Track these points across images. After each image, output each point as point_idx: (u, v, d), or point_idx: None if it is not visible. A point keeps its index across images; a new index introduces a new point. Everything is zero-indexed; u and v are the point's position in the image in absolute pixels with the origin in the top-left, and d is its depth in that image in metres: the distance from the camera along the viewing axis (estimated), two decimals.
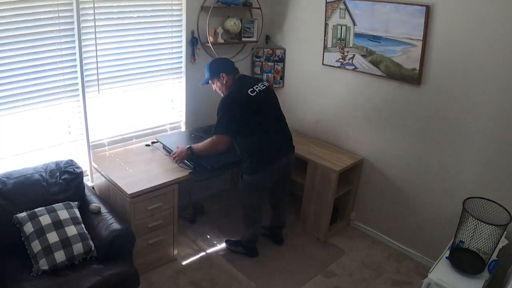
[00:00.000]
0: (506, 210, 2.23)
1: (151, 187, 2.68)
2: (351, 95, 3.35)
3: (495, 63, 2.50)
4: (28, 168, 2.56)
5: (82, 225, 2.43)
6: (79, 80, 2.80)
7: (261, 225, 3.15)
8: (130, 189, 2.62)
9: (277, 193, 3.14)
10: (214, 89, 2.92)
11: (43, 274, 2.19)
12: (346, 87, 3.38)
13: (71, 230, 2.34)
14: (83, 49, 2.73)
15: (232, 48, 3.64)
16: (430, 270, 2.26)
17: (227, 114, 2.73)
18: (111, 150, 3.17)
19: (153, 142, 3.31)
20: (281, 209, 3.25)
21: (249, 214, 3.05)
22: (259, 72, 3.85)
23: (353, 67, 3.25)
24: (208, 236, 3.38)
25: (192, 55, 3.35)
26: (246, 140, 2.78)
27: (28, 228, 2.27)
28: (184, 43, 3.30)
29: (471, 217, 2.19)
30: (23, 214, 2.32)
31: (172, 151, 3.01)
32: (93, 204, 2.62)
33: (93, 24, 2.74)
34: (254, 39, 3.63)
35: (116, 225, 2.45)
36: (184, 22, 3.23)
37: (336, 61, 3.35)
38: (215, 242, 3.31)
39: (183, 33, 3.27)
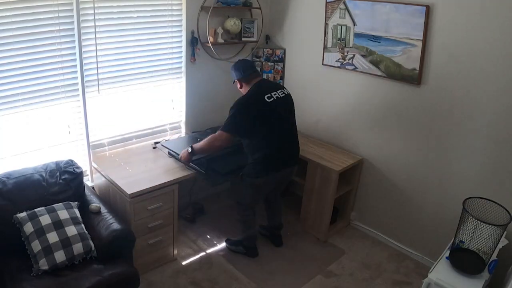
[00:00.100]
0: (506, 210, 2.23)
1: (151, 187, 2.68)
2: (351, 95, 3.35)
3: (495, 63, 2.50)
4: (28, 168, 2.56)
5: (82, 225, 2.43)
6: (79, 80, 2.80)
7: (256, 225, 3.15)
8: (130, 189, 2.62)
9: (272, 195, 3.15)
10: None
11: (43, 274, 2.19)
12: (346, 87, 3.38)
13: (71, 230, 2.34)
14: (83, 49, 2.73)
15: (232, 48, 3.64)
16: (430, 270, 2.25)
17: (238, 114, 2.71)
18: (111, 150, 3.17)
19: (156, 143, 3.31)
20: (275, 210, 3.25)
21: (244, 214, 3.05)
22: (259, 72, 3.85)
23: (353, 67, 3.25)
24: (208, 236, 3.38)
25: (192, 55, 3.35)
26: (254, 144, 2.78)
27: (28, 228, 2.27)
28: (184, 43, 3.30)
29: (471, 217, 2.19)
30: (23, 214, 2.32)
31: (178, 154, 2.98)
32: (93, 204, 2.62)
33: (93, 24, 2.74)
34: (254, 39, 3.63)
35: (116, 225, 2.45)
36: (184, 22, 3.23)
37: (336, 61, 3.35)
38: (215, 242, 3.31)
39: (183, 33, 3.27)
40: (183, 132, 3.59)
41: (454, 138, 2.81)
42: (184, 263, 3.05)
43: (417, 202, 3.13)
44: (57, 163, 2.66)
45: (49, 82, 2.67)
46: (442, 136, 2.87)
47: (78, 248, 2.31)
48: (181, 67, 3.38)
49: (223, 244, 3.28)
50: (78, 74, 2.78)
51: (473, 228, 2.22)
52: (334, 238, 3.45)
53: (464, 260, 2.26)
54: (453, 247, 2.35)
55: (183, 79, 3.42)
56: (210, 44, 3.33)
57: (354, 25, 3.14)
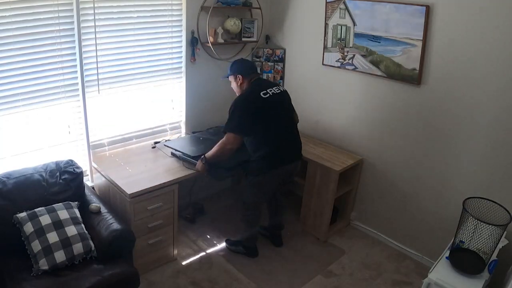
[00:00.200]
0: (506, 210, 2.23)
1: (151, 187, 2.68)
2: (351, 95, 3.35)
3: (495, 63, 2.50)
4: (28, 168, 2.56)
5: (82, 225, 2.43)
6: (79, 80, 2.80)
7: (259, 225, 3.15)
8: (130, 189, 2.62)
9: (275, 194, 3.15)
10: (231, 85, 2.95)
11: (43, 274, 2.19)
12: (346, 87, 3.38)
13: (71, 230, 2.34)
14: (83, 49, 2.73)
15: (232, 48, 3.64)
16: (430, 270, 2.25)
17: (237, 113, 2.73)
18: (111, 150, 3.17)
19: (155, 142, 3.31)
20: (277, 210, 3.25)
21: (246, 214, 3.05)
22: (259, 72, 3.85)
23: (353, 67, 3.25)
24: (208, 236, 3.38)
25: (192, 55, 3.35)
26: (255, 141, 2.79)
27: (28, 228, 2.27)
28: (184, 43, 3.30)
29: (471, 217, 2.19)
30: (23, 214, 2.32)
31: (192, 159, 2.94)
32: (93, 204, 2.62)
33: (93, 24, 2.74)
34: (254, 39, 3.63)
35: (116, 225, 2.45)
36: (184, 22, 3.23)
37: (336, 61, 3.35)
38: (215, 242, 3.31)
39: (183, 33, 3.27)
40: (183, 132, 3.59)
41: (454, 138, 2.81)
42: (184, 263, 3.05)
43: (417, 202, 3.13)
44: (57, 163, 2.66)
45: (49, 82, 2.67)
46: (442, 136, 2.87)
47: (78, 248, 2.31)
48: (181, 67, 3.38)
49: (223, 244, 3.28)
50: (78, 74, 2.78)
51: (473, 228, 2.22)
52: (334, 238, 3.45)
53: (464, 260, 2.26)
54: (453, 247, 2.35)
55: (183, 79, 3.42)
56: (210, 44, 3.33)
57: (354, 25, 3.14)
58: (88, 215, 2.55)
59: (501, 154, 2.61)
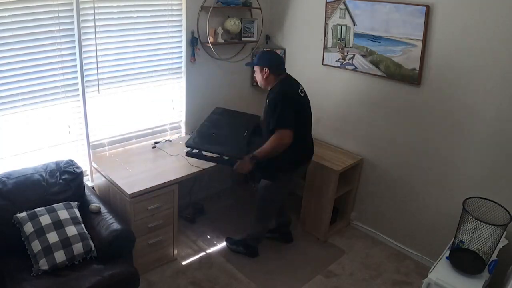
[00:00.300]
0: (506, 210, 2.23)
1: (151, 187, 2.68)
2: (351, 95, 3.35)
3: (495, 63, 2.50)
4: (28, 168, 2.56)
5: (82, 225, 2.43)
6: (79, 80, 2.80)
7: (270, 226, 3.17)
8: (130, 189, 2.62)
9: None
10: (254, 75, 2.90)
11: (43, 274, 2.19)
12: (346, 87, 3.38)
13: (71, 230, 2.34)
14: (83, 49, 2.73)
15: (232, 48, 3.64)
16: (430, 270, 2.25)
17: (285, 108, 2.60)
18: (111, 150, 3.17)
19: (155, 142, 3.30)
20: (285, 207, 3.27)
21: (266, 211, 3.01)
22: None
23: (353, 67, 3.25)
24: (208, 236, 3.38)
25: (192, 55, 3.35)
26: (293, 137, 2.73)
27: (28, 228, 2.27)
28: (184, 43, 3.30)
29: (471, 217, 2.19)
30: (23, 214, 2.32)
31: (229, 160, 2.77)
32: (93, 204, 2.62)
33: (93, 24, 2.74)
34: (254, 39, 3.63)
35: (116, 225, 2.45)
36: (184, 22, 3.23)
37: (336, 61, 3.35)
38: (215, 242, 3.31)
39: (183, 33, 3.27)
40: (183, 132, 3.59)
41: (454, 138, 2.81)
42: (184, 263, 3.05)
43: (417, 202, 3.13)
44: (57, 163, 2.66)
45: (49, 82, 2.67)
46: (442, 136, 2.87)
47: (78, 248, 2.31)
48: (181, 67, 3.38)
49: (223, 244, 3.28)
50: (78, 74, 2.78)
51: (473, 228, 2.22)
52: (334, 238, 3.45)
53: (464, 260, 2.26)
54: (453, 247, 2.35)
55: (183, 79, 3.42)
56: (210, 44, 3.33)
57: (354, 25, 3.14)
58: (88, 215, 2.55)
59: (501, 154, 2.61)
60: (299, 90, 2.79)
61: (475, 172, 2.75)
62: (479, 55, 2.56)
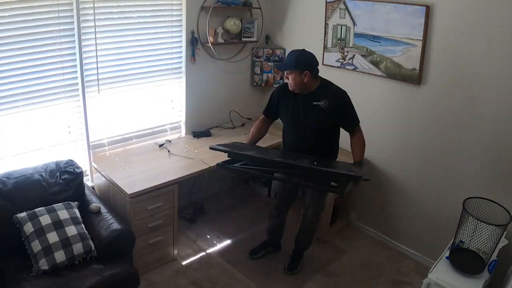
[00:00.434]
0: (506, 210, 2.23)
1: (151, 187, 2.68)
2: (351, 95, 3.32)
3: (495, 62, 2.50)
4: (28, 168, 2.56)
5: (82, 225, 2.43)
6: (79, 80, 2.80)
7: None
8: (130, 189, 2.62)
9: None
10: (286, 77, 2.68)
11: (43, 274, 2.19)
12: (346, 87, 3.34)
13: (71, 230, 2.34)
14: (83, 49, 2.73)
15: (232, 48, 3.64)
16: (430, 270, 2.25)
17: (352, 103, 2.64)
18: (111, 150, 3.17)
19: (160, 145, 3.29)
20: (287, 210, 3.18)
21: (319, 217, 2.95)
22: (259, 72, 3.85)
23: (353, 67, 3.25)
24: (208, 236, 3.38)
25: (192, 55, 3.35)
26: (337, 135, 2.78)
27: (28, 228, 2.27)
28: (184, 43, 3.30)
29: (471, 217, 2.18)
30: (23, 214, 2.32)
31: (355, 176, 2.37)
32: (93, 204, 2.62)
33: (93, 24, 2.74)
34: (254, 39, 3.63)
35: (116, 225, 2.45)
36: (184, 22, 3.23)
37: (336, 61, 3.35)
38: (215, 242, 3.30)
39: (183, 33, 3.27)
40: (183, 132, 3.59)
41: (454, 138, 2.81)
42: (184, 263, 3.05)
43: (417, 202, 3.13)
44: (57, 163, 2.66)
45: (49, 82, 2.67)
46: (442, 136, 2.87)
47: (78, 248, 2.31)
48: (181, 67, 3.38)
49: (223, 244, 3.27)
50: (78, 74, 2.78)
51: (473, 228, 2.22)
52: (334, 238, 3.45)
53: (464, 260, 2.26)
54: (453, 247, 2.35)
55: (183, 79, 3.42)
56: (210, 44, 3.33)
57: (354, 25, 3.14)
58: (88, 215, 2.55)
59: (501, 154, 2.61)
60: None
61: (475, 172, 2.75)
62: (479, 54, 2.56)
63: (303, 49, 2.59)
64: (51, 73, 2.66)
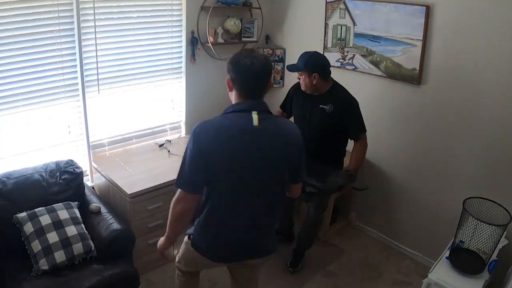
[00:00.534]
0: (506, 210, 2.23)
1: (151, 187, 2.68)
2: None
3: (495, 62, 2.50)
4: (28, 168, 2.56)
5: (82, 225, 2.43)
6: (79, 80, 2.80)
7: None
8: (130, 189, 2.62)
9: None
10: (298, 78, 2.68)
11: (43, 274, 2.19)
12: (346, 87, 3.36)
13: (71, 230, 2.34)
14: (83, 49, 2.73)
15: (232, 48, 3.62)
16: (430, 270, 2.26)
17: (360, 111, 2.63)
18: (111, 150, 3.17)
19: (160, 145, 3.29)
20: (292, 209, 3.28)
21: (320, 219, 2.96)
22: None
23: (353, 67, 3.25)
24: None
25: (192, 55, 3.35)
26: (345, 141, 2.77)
27: (28, 228, 2.27)
28: (184, 43, 3.30)
29: (471, 217, 2.19)
30: (23, 214, 2.32)
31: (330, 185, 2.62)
32: (93, 204, 2.62)
33: (93, 24, 2.74)
34: (254, 39, 3.63)
35: (116, 225, 2.45)
36: (184, 22, 3.23)
37: (336, 61, 3.35)
38: None
39: (183, 33, 3.27)
40: (183, 132, 3.59)
41: (454, 138, 2.81)
42: None
43: (417, 202, 3.13)
44: (57, 163, 2.66)
45: (49, 82, 2.67)
46: (442, 136, 2.87)
47: (78, 248, 2.31)
48: (181, 67, 3.38)
49: None
50: (78, 74, 2.78)
51: (473, 228, 2.22)
52: (334, 238, 3.45)
53: (464, 260, 2.26)
54: (453, 247, 2.35)
55: (183, 79, 3.42)
56: (210, 44, 3.33)
57: (354, 25, 3.14)
58: (88, 215, 2.55)
59: (501, 154, 2.61)
60: None
61: (475, 172, 2.75)
62: (479, 55, 2.56)
63: (315, 51, 2.63)
64: (51, 73, 2.67)
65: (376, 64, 3.09)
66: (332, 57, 3.36)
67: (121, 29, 2.92)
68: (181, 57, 3.34)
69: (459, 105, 2.73)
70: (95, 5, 2.70)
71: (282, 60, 3.79)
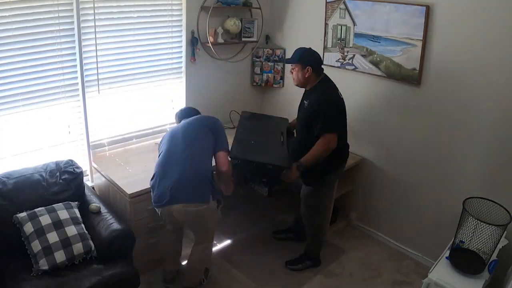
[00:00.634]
0: (506, 210, 2.23)
1: (151, 187, 2.67)
2: (351, 95, 3.33)
3: (495, 62, 2.50)
4: (28, 168, 2.56)
5: (82, 225, 2.43)
6: (79, 80, 2.80)
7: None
8: (130, 189, 2.62)
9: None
10: (291, 72, 2.74)
11: (43, 274, 2.19)
12: (346, 87, 3.35)
13: (71, 230, 2.34)
14: (83, 49, 2.73)
15: (232, 48, 3.64)
16: (430, 270, 2.26)
17: (331, 112, 2.57)
18: (111, 150, 3.17)
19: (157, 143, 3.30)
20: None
21: (319, 220, 2.95)
22: (259, 72, 3.85)
23: (353, 67, 3.25)
24: None
25: (192, 55, 3.35)
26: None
27: (28, 228, 2.27)
28: (184, 43, 3.30)
29: (471, 217, 2.19)
30: (23, 214, 2.32)
31: (273, 169, 2.67)
32: (93, 204, 2.62)
33: (93, 24, 2.74)
34: (254, 39, 3.63)
35: (116, 225, 2.45)
36: (184, 22, 3.23)
37: (336, 61, 3.35)
38: (215, 242, 3.30)
39: (183, 33, 3.27)
40: None
41: (454, 138, 2.81)
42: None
43: (417, 202, 3.13)
44: (57, 163, 2.66)
45: (49, 82, 2.67)
46: (442, 136, 2.87)
47: (78, 248, 2.31)
48: (181, 67, 3.38)
49: (223, 244, 3.27)
50: (78, 74, 2.78)
51: (473, 228, 2.22)
52: (334, 238, 3.45)
53: (464, 260, 2.26)
54: (453, 247, 2.35)
55: (183, 79, 3.42)
56: (210, 44, 3.33)
57: (354, 25, 3.14)
58: (88, 215, 2.55)
59: (501, 154, 2.61)
60: (338, 92, 2.72)
61: (475, 172, 2.75)
62: (479, 55, 2.56)
63: (309, 48, 2.70)
64: (51, 73, 2.67)
65: (376, 64, 3.09)
66: (332, 57, 3.37)
67: (121, 29, 2.92)
68: (181, 57, 3.34)
69: (459, 105, 2.73)
70: (95, 5, 2.70)
71: (282, 60, 3.79)
